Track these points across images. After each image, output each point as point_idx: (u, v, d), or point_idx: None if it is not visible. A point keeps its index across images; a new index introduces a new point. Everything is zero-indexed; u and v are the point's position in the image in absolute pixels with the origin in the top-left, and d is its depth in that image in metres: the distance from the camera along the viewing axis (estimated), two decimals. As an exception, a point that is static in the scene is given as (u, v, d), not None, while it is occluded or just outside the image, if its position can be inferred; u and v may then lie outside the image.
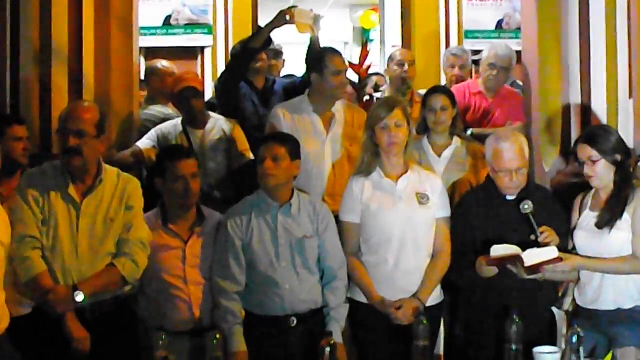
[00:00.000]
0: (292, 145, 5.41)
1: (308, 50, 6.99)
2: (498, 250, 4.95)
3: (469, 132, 7.10)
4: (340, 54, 6.53)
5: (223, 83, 7.22)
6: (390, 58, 8.18)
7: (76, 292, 4.88)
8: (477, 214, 5.29)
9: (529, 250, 4.88)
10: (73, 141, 4.95)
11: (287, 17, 6.92)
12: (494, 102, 7.62)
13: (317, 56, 6.54)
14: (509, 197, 5.24)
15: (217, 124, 6.85)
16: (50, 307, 4.88)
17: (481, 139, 6.50)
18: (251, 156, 6.60)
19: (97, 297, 5.01)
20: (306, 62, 6.78)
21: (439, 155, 6.07)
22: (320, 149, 6.24)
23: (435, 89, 6.31)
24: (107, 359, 5.02)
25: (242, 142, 6.83)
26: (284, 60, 8.34)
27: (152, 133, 6.84)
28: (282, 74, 8.24)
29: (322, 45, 7.06)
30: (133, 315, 5.34)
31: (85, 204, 5.03)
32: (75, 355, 4.92)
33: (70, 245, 4.98)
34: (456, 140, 6.13)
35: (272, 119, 6.38)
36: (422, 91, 7.78)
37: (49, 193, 5.00)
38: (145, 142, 6.80)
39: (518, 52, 7.77)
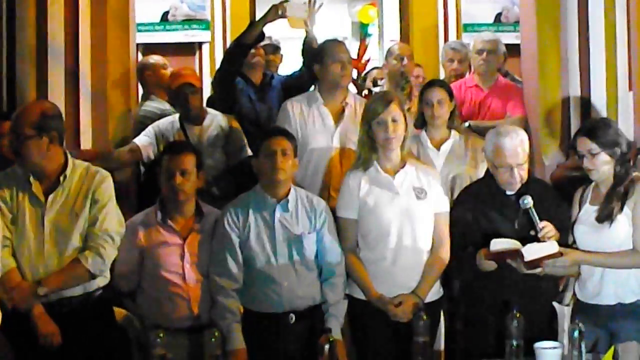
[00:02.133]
0: (295, 143, 5.42)
1: (304, 45, 6.98)
2: (498, 244, 4.93)
3: (466, 124, 7.07)
4: (342, 43, 6.52)
5: (219, 79, 7.22)
6: (389, 53, 8.18)
7: (39, 288, 4.93)
8: (476, 208, 5.26)
9: (529, 245, 4.86)
10: (12, 143, 5.05)
11: (280, 11, 6.90)
12: (490, 93, 7.58)
13: (319, 47, 6.56)
14: (509, 192, 5.22)
15: (215, 120, 6.82)
16: (17, 304, 4.93)
17: (479, 131, 6.50)
18: (249, 152, 6.58)
19: (65, 292, 5.05)
20: (303, 56, 6.77)
21: (438, 149, 6.04)
22: (328, 142, 6.23)
23: (432, 83, 6.28)
24: (83, 353, 5.04)
25: (240, 138, 6.81)
26: (282, 56, 8.32)
27: (150, 130, 6.81)
28: (280, 69, 8.22)
29: (318, 38, 7.03)
30: (110, 311, 5.33)
31: (50, 201, 5.06)
32: (46, 349, 4.95)
33: (36, 242, 5.02)
34: (454, 133, 6.10)
35: (282, 113, 6.37)
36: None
37: (17, 193, 5.07)
38: (142, 139, 6.77)
39: (517, 46, 7.76)
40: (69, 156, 5.17)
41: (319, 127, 6.25)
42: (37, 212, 5.04)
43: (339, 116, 6.32)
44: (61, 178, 5.08)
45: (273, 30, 7.56)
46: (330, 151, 6.24)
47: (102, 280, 5.18)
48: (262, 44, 7.36)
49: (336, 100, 6.36)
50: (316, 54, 6.50)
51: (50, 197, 5.05)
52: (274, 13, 6.94)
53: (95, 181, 5.13)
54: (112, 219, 5.15)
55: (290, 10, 7.03)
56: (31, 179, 5.05)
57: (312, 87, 6.67)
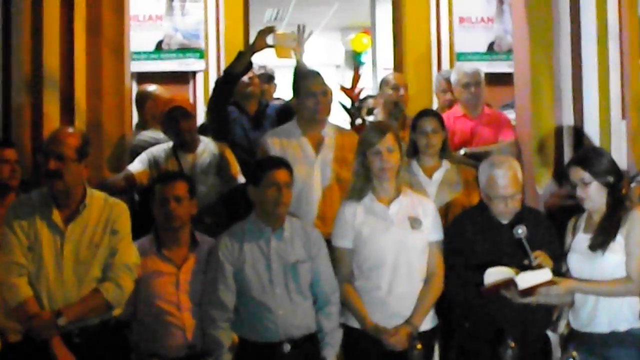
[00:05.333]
0: (293, 174, 5.43)
1: (294, 74, 6.98)
2: (491, 275, 4.94)
3: (462, 151, 7.10)
4: (318, 75, 6.50)
5: (210, 109, 7.23)
6: (384, 82, 8.17)
7: (59, 318, 4.89)
8: (471, 236, 5.27)
9: (522, 274, 4.87)
10: (54, 165, 4.99)
11: (266, 39, 6.92)
12: (479, 122, 7.63)
13: (295, 80, 6.56)
14: (502, 221, 5.23)
15: (208, 147, 6.82)
16: (35, 333, 4.90)
17: (475, 157, 6.52)
18: (242, 180, 6.58)
19: (84, 321, 5.02)
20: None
21: (430, 178, 6.05)
22: (309, 173, 6.21)
23: (426, 112, 6.29)
24: None
25: (234, 166, 6.81)
26: (275, 85, 8.34)
27: (144, 156, 6.81)
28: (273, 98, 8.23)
29: (311, 66, 7.04)
30: (124, 340, 5.32)
31: (70, 230, 5.05)
32: None
33: (55, 271, 5.00)
34: (446, 162, 6.11)
35: (262, 146, 6.36)
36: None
37: (34, 219, 5.04)
38: (136, 166, 6.77)
39: (510, 75, 7.80)
40: (86, 185, 5.19)
41: (300, 157, 6.22)
42: (55, 241, 5.03)
43: (318, 146, 6.32)
44: (81, 207, 5.09)
45: (268, 59, 7.57)
46: (312, 181, 6.23)
47: (117, 310, 5.17)
48: (257, 73, 7.37)
49: (315, 131, 6.36)
50: (293, 87, 6.51)
51: (70, 226, 5.05)
52: (261, 42, 6.96)
53: (115, 212, 5.16)
54: (131, 251, 5.18)
55: (277, 40, 7.04)
56: (54, 205, 5.05)
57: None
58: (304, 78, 6.47)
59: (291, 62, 7.22)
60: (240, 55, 7.04)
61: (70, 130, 5.34)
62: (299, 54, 7.13)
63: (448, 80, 8.22)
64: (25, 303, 4.92)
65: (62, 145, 5.03)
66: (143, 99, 7.70)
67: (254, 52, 7.00)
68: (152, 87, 7.88)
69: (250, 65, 7.05)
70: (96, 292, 5.02)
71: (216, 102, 7.07)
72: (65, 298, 4.98)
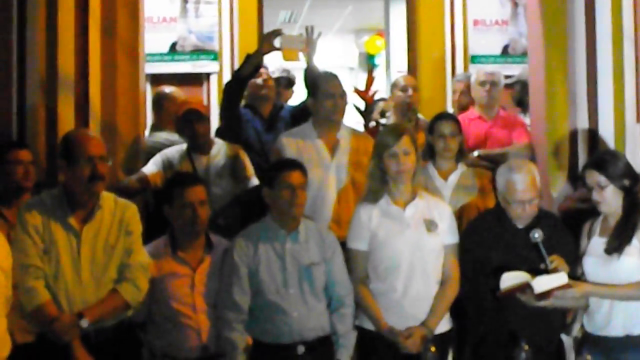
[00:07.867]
0: (307, 176, 5.43)
1: (305, 75, 6.98)
2: (507, 280, 4.92)
3: (475, 153, 7.10)
4: (336, 77, 6.51)
5: (222, 111, 7.25)
6: (394, 84, 8.19)
7: (81, 320, 4.90)
8: (487, 240, 5.27)
9: (538, 278, 4.85)
10: (103, 167, 5.05)
11: (273, 41, 6.94)
12: (494, 124, 7.64)
13: (312, 81, 6.56)
14: (519, 225, 5.23)
15: (222, 149, 6.83)
16: (57, 336, 4.89)
17: (489, 159, 6.51)
18: (256, 181, 6.58)
19: (102, 322, 5.03)
20: (305, 86, 6.79)
21: (446, 180, 6.05)
22: (325, 175, 6.23)
23: (443, 116, 6.30)
24: None
25: (248, 168, 6.81)
26: (293, 91, 8.38)
27: (158, 158, 6.83)
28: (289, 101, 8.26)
29: (320, 68, 7.06)
30: (137, 340, 5.34)
31: (85, 231, 5.07)
32: None
33: (73, 273, 5.01)
34: (461, 165, 6.11)
35: (277, 148, 6.38)
36: (420, 116, 7.84)
37: (49, 222, 5.04)
38: (150, 168, 6.78)
39: (525, 78, 7.80)
40: None
41: (315, 160, 6.25)
42: (72, 242, 5.04)
43: (334, 149, 6.34)
44: (95, 208, 5.10)
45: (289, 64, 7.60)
46: (327, 184, 6.24)
47: (130, 310, 5.19)
48: (278, 75, 7.38)
49: (331, 134, 6.38)
50: (310, 87, 6.51)
51: (86, 227, 5.07)
52: (268, 45, 6.98)
53: (127, 213, 5.18)
54: (143, 250, 5.22)
55: (284, 42, 7.04)
56: (68, 207, 5.07)
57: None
58: (321, 79, 6.48)
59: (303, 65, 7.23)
60: (248, 57, 7.06)
61: (91, 132, 5.40)
62: (309, 55, 7.12)
63: (459, 82, 8.24)
64: (44, 306, 4.91)
65: (101, 147, 5.10)
66: (160, 100, 7.70)
67: (262, 55, 7.02)
68: (170, 89, 7.89)
69: (259, 67, 7.07)
70: (115, 293, 5.05)
71: (227, 104, 7.09)
72: (84, 300, 4.99)
